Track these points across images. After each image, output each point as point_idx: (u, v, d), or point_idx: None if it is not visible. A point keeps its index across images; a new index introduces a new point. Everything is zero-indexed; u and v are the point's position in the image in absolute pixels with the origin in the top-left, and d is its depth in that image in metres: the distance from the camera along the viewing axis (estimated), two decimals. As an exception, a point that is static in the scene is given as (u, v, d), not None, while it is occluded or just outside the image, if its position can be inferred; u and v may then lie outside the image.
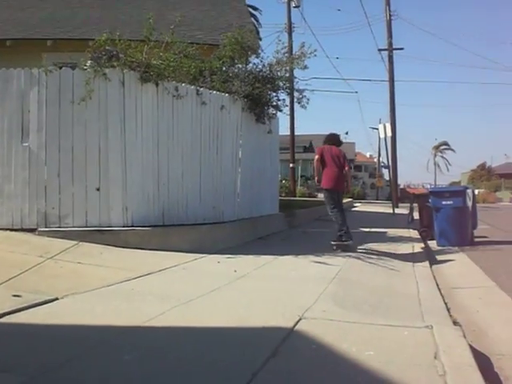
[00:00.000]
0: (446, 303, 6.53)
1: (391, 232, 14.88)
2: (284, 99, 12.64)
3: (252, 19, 22.69)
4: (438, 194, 13.49)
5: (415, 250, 11.27)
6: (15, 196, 8.61)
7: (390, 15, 33.13)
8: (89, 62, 8.78)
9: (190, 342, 4.31)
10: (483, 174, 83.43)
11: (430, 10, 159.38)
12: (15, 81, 8.73)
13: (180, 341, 4.36)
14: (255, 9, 36.83)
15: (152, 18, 9.41)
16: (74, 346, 4.07)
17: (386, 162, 36.30)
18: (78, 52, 9.68)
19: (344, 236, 10.48)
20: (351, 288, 6.97)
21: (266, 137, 13.13)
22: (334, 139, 11.37)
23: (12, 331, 4.46)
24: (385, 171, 53.03)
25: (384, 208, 28.89)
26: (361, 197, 48.73)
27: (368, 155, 78.98)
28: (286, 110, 14.09)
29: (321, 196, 36.45)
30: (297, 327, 4.70)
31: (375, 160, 68.81)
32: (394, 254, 10.50)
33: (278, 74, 11.80)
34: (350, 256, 9.56)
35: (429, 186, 34.07)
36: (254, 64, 11.93)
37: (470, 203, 13.09)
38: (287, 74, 12.07)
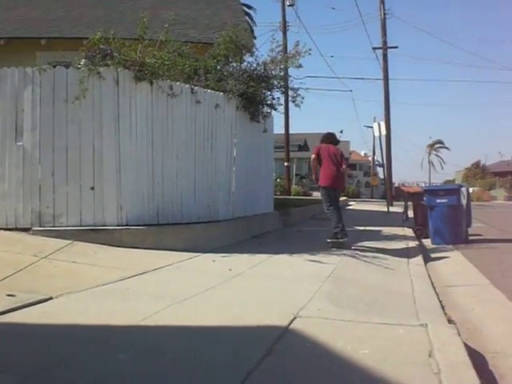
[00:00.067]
0: (440, 301, 6.54)
1: (386, 230, 14.89)
2: (278, 98, 12.63)
3: (246, 18, 22.64)
4: (432, 192, 13.51)
5: (410, 249, 11.28)
6: (9, 195, 8.59)
7: (384, 13, 33.13)
8: (83, 60, 8.76)
9: (185, 341, 4.31)
10: (477, 172, 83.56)
11: (425, 8, 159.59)
12: (9, 80, 8.70)
13: (175, 340, 4.35)
14: (250, 7, 36.81)
15: (146, 16, 9.39)
16: (68, 346, 4.07)
17: (380, 160, 36.42)
18: (72, 51, 9.65)
19: (339, 233, 10.62)
20: (346, 286, 6.97)
21: (261, 135, 13.12)
22: (331, 138, 11.55)
23: (6, 331, 4.44)
24: (379, 170, 53.30)
25: (379, 206, 28.92)
26: (355, 195, 48.81)
27: (363, 154, 79.09)
28: (281, 108, 14.07)
29: (315, 195, 36.51)
30: (291, 326, 4.70)
31: (370, 158, 69.01)
32: (389, 252, 10.51)
33: (273, 72, 11.79)
34: (344, 254, 9.57)
35: (423, 185, 34.14)
36: (249, 63, 11.92)
37: (464, 201, 13.12)
38: (282, 73, 12.06)
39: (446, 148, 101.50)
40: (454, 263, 10.25)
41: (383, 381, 3.56)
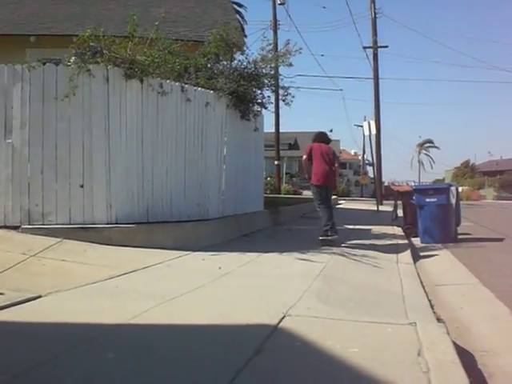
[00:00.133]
0: (429, 300, 6.56)
1: (375, 229, 14.93)
2: (269, 96, 12.64)
3: (237, 16, 22.59)
4: (421, 191, 13.56)
5: (399, 248, 11.30)
6: (-2, 193, 8.55)
7: (374, 13, 33.20)
8: (73, 58, 8.72)
9: (174, 340, 4.30)
10: (467, 171, 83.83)
11: (415, 8, 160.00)
12: (-2, 77, 8.66)
13: (164, 338, 4.34)
14: (240, 5, 36.72)
15: (136, 14, 9.37)
16: (57, 344, 4.04)
17: (370, 159, 36.46)
18: (61, 48, 9.57)
19: (330, 231, 10.79)
20: (335, 285, 6.98)
21: (251, 134, 13.11)
22: (323, 137, 11.74)
23: (-6, 329, 4.42)
24: (369, 169, 53.44)
25: (368, 205, 28.98)
26: (345, 194, 48.93)
27: (353, 153, 79.19)
28: (271, 107, 14.09)
29: (306, 193, 36.53)
30: (281, 324, 4.70)
31: (360, 157, 69.05)
32: (378, 251, 10.53)
33: (263, 71, 11.79)
34: (334, 253, 9.58)
35: (413, 184, 34.20)
36: (239, 61, 11.90)
37: (453, 200, 13.19)
38: (272, 72, 12.06)
39: (436, 147, 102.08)
40: (443, 262, 10.29)
41: (372, 379, 3.56)
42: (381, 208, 24.61)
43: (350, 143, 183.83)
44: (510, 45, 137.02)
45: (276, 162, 33.91)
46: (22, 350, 3.89)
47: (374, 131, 25.62)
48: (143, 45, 9.42)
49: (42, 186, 8.60)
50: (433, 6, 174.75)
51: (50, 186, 8.61)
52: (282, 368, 3.77)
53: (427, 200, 12.97)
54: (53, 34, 13.97)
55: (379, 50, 33.17)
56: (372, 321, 5.00)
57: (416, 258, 10.45)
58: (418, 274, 8.54)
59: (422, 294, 6.92)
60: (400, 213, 16.35)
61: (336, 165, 11.36)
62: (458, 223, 13.76)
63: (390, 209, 20.15)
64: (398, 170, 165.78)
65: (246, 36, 18.11)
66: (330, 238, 10.68)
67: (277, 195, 28.16)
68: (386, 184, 51.92)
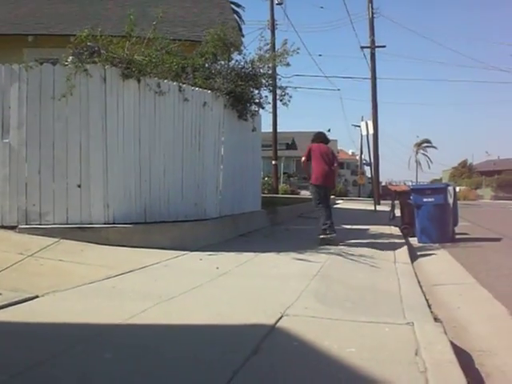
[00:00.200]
0: (427, 300, 6.56)
1: (373, 229, 14.93)
2: (266, 96, 12.63)
3: (235, 16, 22.63)
4: (419, 191, 13.57)
5: (396, 247, 11.31)
6: (-5, 193, 8.54)
7: (372, 13, 33.21)
8: (70, 57, 8.70)
9: (172, 340, 4.30)
10: (464, 171, 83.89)
11: (413, 8, 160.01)
12: (-5, 76, 8.65)
13: (161, 339, 4.34)
14: (238, 5, 36.82)
15: (133, 13, 9.36)
16: (54, 345, 4.04)
17: (367, 159, 36.52)
18: (59, 48, 9.57)
19: (328, 229, 10.96)
20: (333, 285, 6.98)
21: (249, 134, 13.11)
22: (322, 137, 11.95)
23: (-9, 329, 4.42)
24: (367, 168, 53.43)
25: (366, 205, 28.99)
26: (343, 194, 48.94)
27: (350, 152, 79.23)
28: (269, 107, 14.07)
29: (303, 193, 36.53)
30: (278, 324, 4.70)
31: (357, 157, 69.16)
32: (376, 250, 10.54)
33: (261, 71, 11.78)
34: (331, 253, 9.59)
35: (410, 184, 34.24)
36: (237, 61, 11.90)
37: (451, 200, 13.19)
38: (270, 71, 12.05)
39: (434, 147, 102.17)
40: (440, 262, 10.30)
41: (370, 379, 3.56)
42: (378, 208, 24.63)
43: (348, 143, 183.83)
44: (509, 45, 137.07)
45: (274, 162, 33.92)
46: (19, 350, 3.89)
47: (371, 131, 25.66)
48: (141, 44, 9.41)
49: (39, 186, 8.58)
50: (431, 6, 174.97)
51: (48, 185, 8.60)
52: (279, 368, 3.77)
53: (425, 200, 12.98)
54: (50, 33, 13.95)
55: (377, 49, 33.18)
56: (369, 321, 5.00)
57: (413, 257, 10.46)
58: (415, 273, 8.55)
59: (419, 293, 6.92)
60: (397, 213, 16.35)
61: (335, 164, 11.52)
62: (455, 223, 13.77)
63: (387, 209, 20.13)
64: (396, 170, 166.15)
65: (243, 36, 18.14)
66: (328, 236, 10.82)
67: (274, 195, 28.15)
68: (383, 184, 51.93)
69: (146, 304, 5.22)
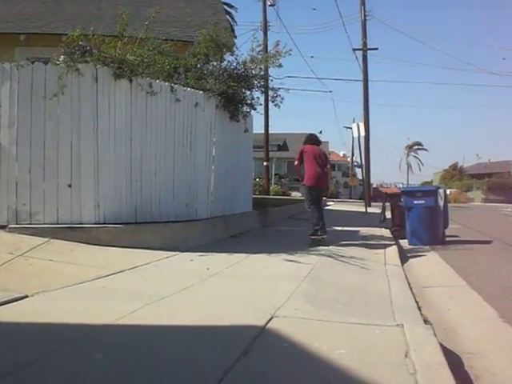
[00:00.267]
0: (417, 302, 6.58)
1: (364, 231, 14.95)
2: (258, 97, 12.62)
3: (227, 17, 22.61)
4: (410, 193, 13.60)
5: (387, 249, 11.32)
6: (-15, 192, 8.50)
7: (364, 15, 33.27)
8: (62, 57, 8.68)
9: (162, 341, 4.29)
10: (455, 174, 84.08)
11: (406, 10, 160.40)
12: (-14, 75, 8.61)
13: (151, 339, 4.33)
14: (231, 6, 36.83)
15: (126, 13, 9.34)
16: (43, 345, 4.03)
17: (359, 161, 36.53)
18: (51, 47, 9.57)
19: (319, 231, 11.06)
20: (323, 286, 6.99)
21: (240, 135, 13.12)
22: (314, 139, 12.11)
23: (-20, 329, 4.40)
24: (358, 170, 53.39)
25: (357, 207, 29.03)
26: (334, 196, 48.94)
27: (341, 154, 79.28)
28: (260, 108, 14.06)
29: (294, 194, 36.52)
30: (269, 325, 4.70)
31: (349, 159, 69.13)
32: (366, 252, 10.56)
33: (253, 72, 11.78)
34: (322, 254, 9.59)
35: (401, 186, 34.31)
36: (229, 62, 11.89)
37: (441, 203, 13.24)
38: (262, 73, 12.05)
39: (425, 149, 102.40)
40: (430, 264, 10.33)
41: (359, 381, 3.57)
42: (369, 210, 24.67)
43: (339, 145, 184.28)
44: (499, 48, 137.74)
45: (265, 163, 33.93)
46: (8, 350, 3.88)
47: (362, 133, 25.73)
48: (133, 44, 9.40)
49: (29, 185, 8.55)
50: (423, 9, 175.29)
51: (38, 185, 8.57)
52: (269, 369, 3.77)
53: (415, 202, 13.02)
54: (42, 32, 13.93)
55: (369, 52, 33.25)
56: (359, 322, 5.01)
57: (404, 259, 10.48)
58: (405, 275, 8.56)
59: (409, 295, 6.94)
60: (388, 215, 16.38)
61: (328, 166, 11.64)
62: (445, 225, 13.82)
63: (378, 210, 20.17)
64: (387, 172, 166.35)
65: (235, 37, 18.15)
66: (319, 238, 10.88)
67: (266, 196, 28.16)
68: (374, 186, 52.01)
69: (137, 304, 5.21)
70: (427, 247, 12.26)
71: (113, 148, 9.00)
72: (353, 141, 54.10)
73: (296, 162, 11.59)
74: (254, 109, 12.74)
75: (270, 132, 35.12)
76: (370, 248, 11.29)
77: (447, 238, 13.47)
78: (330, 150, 70.26)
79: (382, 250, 11.09)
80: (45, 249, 7.72)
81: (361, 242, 12.36)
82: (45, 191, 8.59)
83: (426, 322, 5.57)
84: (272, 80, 12.85)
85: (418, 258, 10.93)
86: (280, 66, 11.80)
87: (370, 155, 32.78)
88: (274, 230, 14.03)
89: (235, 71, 11.59)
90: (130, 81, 9.17)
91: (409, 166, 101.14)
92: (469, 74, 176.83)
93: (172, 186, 10.22)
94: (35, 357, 3.76)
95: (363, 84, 32.83)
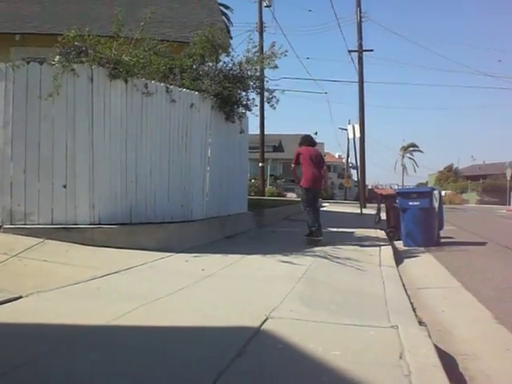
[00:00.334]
0: (411, 303, 6.58)
1: (359, 232, 14.96)
2: (254, 98, 12.63)
3: (223, 18, 22.64)
4: (405, 194, 13.63)
5: (382, 251, 11.32)
6: (-20, 192, 8.47)
7: (360, 17, 33.34)
8: (57, 57, 8.67)
9: (156, 342, 4.28)
10: (450, 175, 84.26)
11: (401, 12, 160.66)
12: (-19, 75, 8.58)
13: (146, 340, 4.32)
14: (227, 7, 36.89)
15: (121, 13, 9.33)
16: (38, 345, 4.02)
17: (354, 162, 36.61)
18: (46, 47, 9.55)
19: (315, 232, 11.11)
20: (318, 288, 6.99)
21: (236, 136, 13.12)
22: (310, 140, 12.18)
23: (-26, 330, 4.38)
24: (353, 172, 53.50)
25: (352, 208, 29.08)
26: (329, 197, 48.95)
27: (337, 155, 79.35)
28: (256, 109, 14.08)
29: (290, 195, 36.51)
30: (263, 327, 4.70)
31: (344, 160, 69.24)
32: (361, 253, 10.56)
33: (249, 73, 11.78)
34: (317, 255, 9.59)
35: (396, 187, 34.37)
36: (225, 63, 11.89)
37: (436, 204, 13.25)
38: (257, 74, 12.06)
39: (420, 151, 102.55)
40: (425, 265, 10.34)
41: (354, 382, 3.57)
42: (364, 211, 24.70)
43: (335, 146, 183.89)
44: (495, 50, 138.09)
45: (260, 164, 33.97)
46: (3, 351, 3.87)
47: (358, 134, 25.76)
48: (128, 45, 9.39)
49: (24, 186, 8.52)
50: (418, 11, 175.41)
51: (33, 185, 8.55)
52: (263, 370, 3.77)
53: (410, 203, 13.04)
54: (38, 32, 13.89)
55: (364, 53, 33.32)
56: (354, 323, 5.02)
57: (398, 261, 10.48)
58: (400, 277, 8.56)
59: (404, 297, 6.94)
60: (383, 216, 16.40)
61: (324, 167, 11.72)
62: (440, 227, 13.83)
63: (373, 212, 20.16)
64: (382, 174, 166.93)
65: (231, 38, 18.13)
66: (315, 238, 10.89)
67: (261, 197, 28.16)
68: (369, 187, 52.02)
69: (131, 305, 5.20)
70: (422, 248, 12.27)
71: (108, 148, 8.99)
72: (348, 142, 54.04)
73: (293, 165, 11.65)
74: (250, 110, 12.75)
75: (265, 133, 35.15)
76: (365, 249, 11.30)
77: (442, 240, 13.50)
78: (326, 151, 70.30)
79: (377, 252, 11.10)
80: (39, 249, 7.70)
81: (356, 243, 12.36)
82: (39, 191, 8.57)
83: (420, 323, 5.57)
84: (268, 81, 12.91)
85: (413, 260, 10.94)
86: (275, 67, 11.82)
87: (366, 156, 32.91)
88: (270, 231, 14.03)
89: (231, 72, 11.60)
90: (126, 81, 9.15)
91: (404, 167, 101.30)
92: (464, 76, 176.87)
93: (167, 187, 10.21)
94: (30, 358, 3.75)
95: (359, 85, 32.94)
